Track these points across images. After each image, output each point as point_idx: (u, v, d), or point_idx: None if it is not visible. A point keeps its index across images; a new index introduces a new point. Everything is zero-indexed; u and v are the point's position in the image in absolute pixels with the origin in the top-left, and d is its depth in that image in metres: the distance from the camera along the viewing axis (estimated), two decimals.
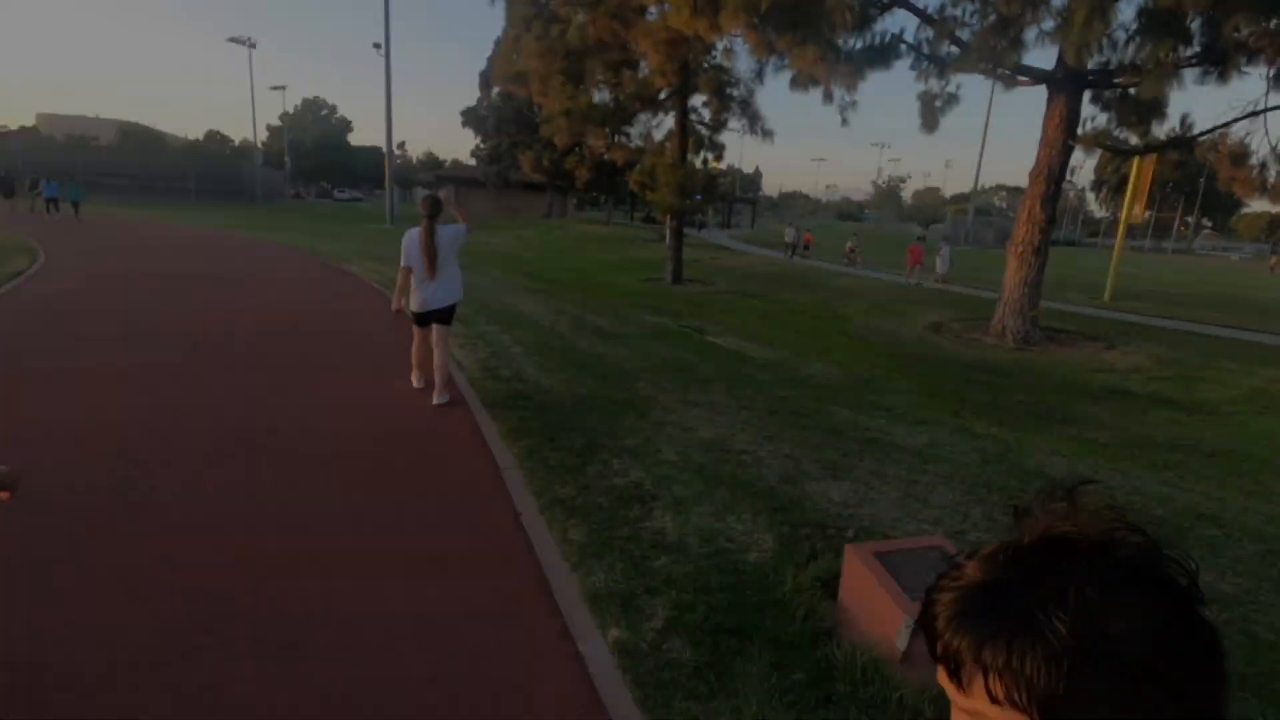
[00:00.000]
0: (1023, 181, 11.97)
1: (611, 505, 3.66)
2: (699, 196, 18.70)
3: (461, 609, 2.79)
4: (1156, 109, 12.53)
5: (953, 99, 12.71)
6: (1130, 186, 17.61)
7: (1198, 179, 64.89)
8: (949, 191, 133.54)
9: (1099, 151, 11.38)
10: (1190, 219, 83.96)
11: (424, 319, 5.29)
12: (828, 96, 14.54)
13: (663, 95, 17.21)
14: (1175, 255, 73.81)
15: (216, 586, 2.80)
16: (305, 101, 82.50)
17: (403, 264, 5.18)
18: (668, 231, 32.09)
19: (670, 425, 5.10)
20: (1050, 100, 11.40)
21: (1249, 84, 11.18)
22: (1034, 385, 8.86)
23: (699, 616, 2.71)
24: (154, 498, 3.57)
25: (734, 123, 17.15)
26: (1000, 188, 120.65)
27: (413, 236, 5.13)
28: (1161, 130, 13.07)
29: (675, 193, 16.40)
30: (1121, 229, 19.26)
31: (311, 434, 4.67)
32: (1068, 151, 11.40)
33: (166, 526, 3.28)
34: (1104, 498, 0.52)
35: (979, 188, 62.25)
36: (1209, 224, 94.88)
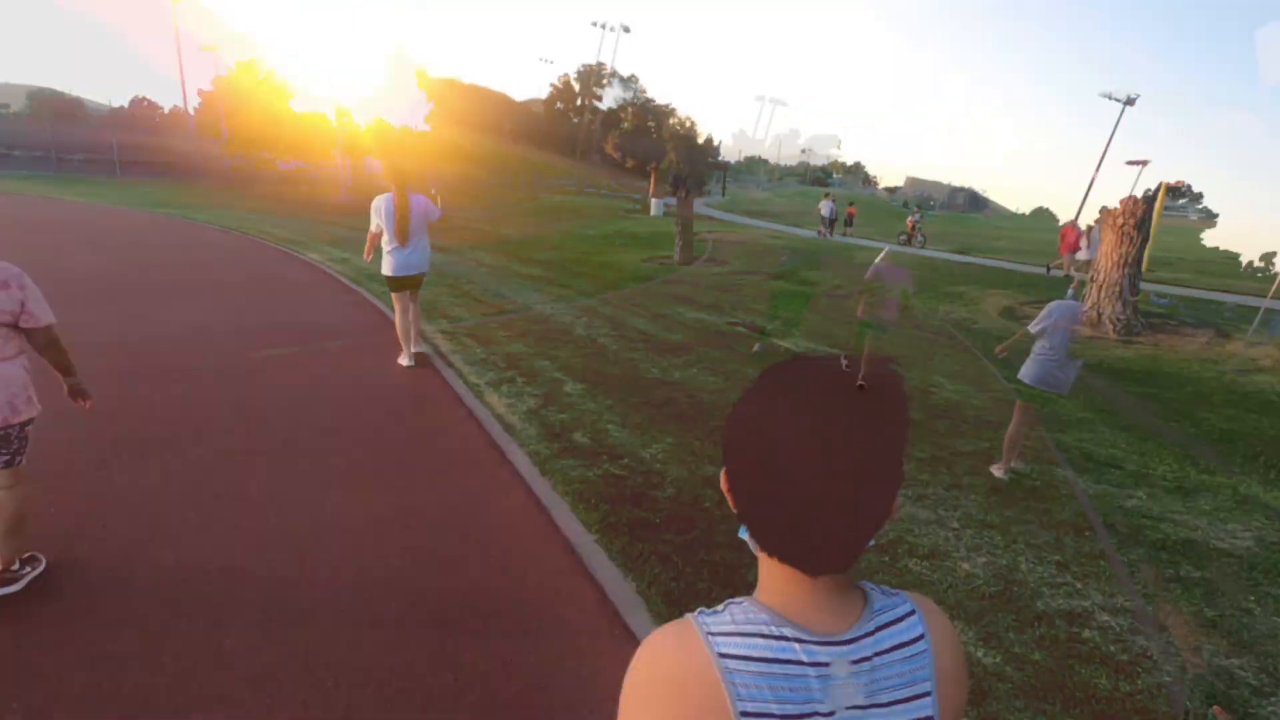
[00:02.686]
0: None
1: None
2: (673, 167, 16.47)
3: None
4: None
5: None
6: None
7: None
8: None
9: None
10: None
11: (400, 284, 5.43)
12: None
13: None
14: None
15: None
16: (241, 65, 76.51)
17: (372, 229, 5.39)
18: (654, 202, 29.69)
19: (904, 549, 3.08)
20: None
21: None
22: (1203, 398, 7.10)
23: None
24: None
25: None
26: None
27: (379, 205, 5.27)
28: None
29: (687, 160, 14.22)
30: (1162, 190, 17.77)
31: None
32: None
33: None
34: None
35: None
36: None
